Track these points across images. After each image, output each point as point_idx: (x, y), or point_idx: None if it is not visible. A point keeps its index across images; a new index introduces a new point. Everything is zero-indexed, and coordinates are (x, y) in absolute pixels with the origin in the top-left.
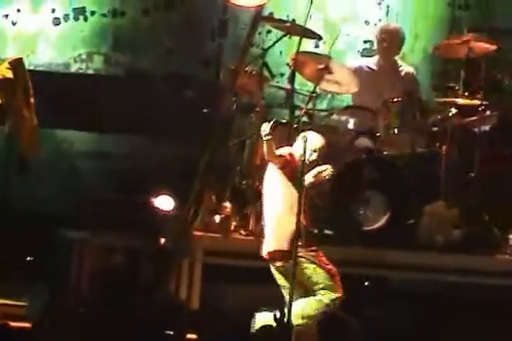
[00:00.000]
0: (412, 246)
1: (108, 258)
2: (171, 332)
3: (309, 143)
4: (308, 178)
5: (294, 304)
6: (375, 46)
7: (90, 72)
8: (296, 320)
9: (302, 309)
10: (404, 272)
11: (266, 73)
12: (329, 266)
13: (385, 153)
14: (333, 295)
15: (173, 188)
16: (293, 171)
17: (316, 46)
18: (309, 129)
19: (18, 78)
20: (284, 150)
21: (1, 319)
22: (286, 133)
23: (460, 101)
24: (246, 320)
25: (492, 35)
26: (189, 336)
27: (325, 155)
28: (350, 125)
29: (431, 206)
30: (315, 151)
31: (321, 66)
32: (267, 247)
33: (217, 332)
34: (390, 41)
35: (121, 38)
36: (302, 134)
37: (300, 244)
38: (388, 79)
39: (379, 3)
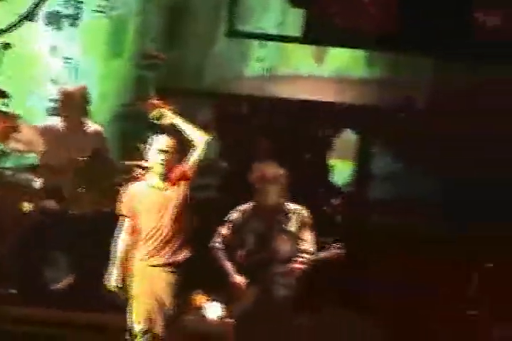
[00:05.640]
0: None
1: None
2: None
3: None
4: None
5: None
6: None
7: None
8: None
9: None
10: None
11: None
12: None
13: (70, 212)
14: None
15: None
16: None
17: (4, 104)
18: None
19: None
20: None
21: None
22: None
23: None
24: None
25: (178, 95)
26: None
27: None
28: (37, 184)
29: None
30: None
31: (7, 124)
32: None
33: None
34: (68, 103)
35: None
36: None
37: None
38: (75, 139)
39: (66, 63)
